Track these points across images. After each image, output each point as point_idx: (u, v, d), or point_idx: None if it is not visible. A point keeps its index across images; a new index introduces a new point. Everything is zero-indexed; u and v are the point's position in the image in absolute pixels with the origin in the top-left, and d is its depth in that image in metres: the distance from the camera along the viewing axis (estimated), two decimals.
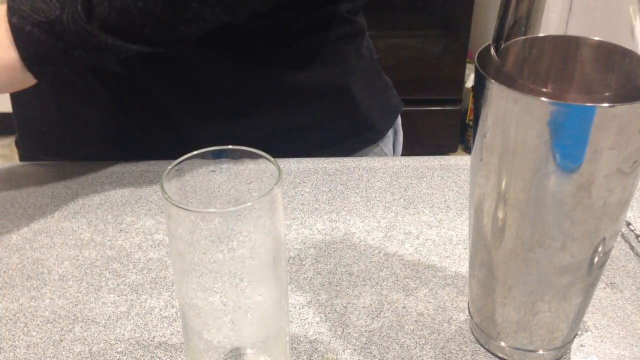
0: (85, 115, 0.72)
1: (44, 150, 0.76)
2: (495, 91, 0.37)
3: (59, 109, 0.73)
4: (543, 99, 0.35)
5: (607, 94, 0.40)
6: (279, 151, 0.71)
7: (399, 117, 0.83)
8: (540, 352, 0.45)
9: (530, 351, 0.45)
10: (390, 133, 0.81)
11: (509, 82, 0.39)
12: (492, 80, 0.37)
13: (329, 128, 0.74)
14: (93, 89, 0.69)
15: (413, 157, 0.72)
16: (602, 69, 0.40)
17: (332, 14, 0.70)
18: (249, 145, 0.39)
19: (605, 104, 0.35)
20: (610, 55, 0.39)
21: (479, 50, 0.40)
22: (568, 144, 0.36)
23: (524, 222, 0.40)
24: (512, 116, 0.37)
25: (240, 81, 0.69)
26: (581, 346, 0.48)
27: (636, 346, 0.47)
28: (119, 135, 0.72)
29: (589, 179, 0.37)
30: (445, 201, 0.63)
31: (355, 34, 0.74)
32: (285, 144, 0.73)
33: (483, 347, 0.48)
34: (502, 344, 0.46)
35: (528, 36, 0.39)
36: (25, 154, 0.80)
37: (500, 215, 0.41)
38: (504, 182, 0.39)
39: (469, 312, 0.49)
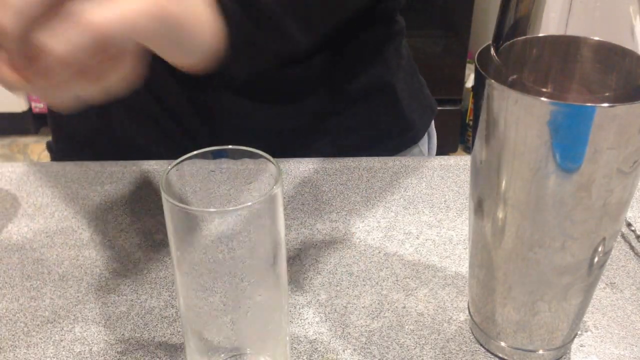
0: (129, 125, 0.71)
1: (79, 154, 0.74)
2: (495, 91, 0.37)
3: (99, 116, 0.71)
4: (543, 99, 0.35)
5: (607, 94, 0.40)
6: (318, 152, 0.70)
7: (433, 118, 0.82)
8: (540, 352, 0.45)
9: (530, 351, 0.45)
10: (425, 134, 0.80)
11: (509, 82, 0.39)
12: (492, 80, 0.37)
13: (371, 128, 0.73)
14: (143, 104, 0.68)
15: (413, 157, 0.72)
16: (602, 69, 0.40)
17: (373, 14, 0.69)
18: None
19: (605, 104, 0.35)
20: (610, 55, 0.39)
21: (479, 50, 0.40)
22: (568, 144, 0.36)
23: (524, 222, 0.40)
24: (512, 116, 0.37)
25: (281, 80, 0.68)
26: (581, 346, 0.48)
27: (636, 346, 0.47)
28: (155, 143, 0.71)
29: (589, 179, 0.37)
30: (445, 201, 0.63)
31: (395, 33, 0.73)
32: (327, 144, 0.72)
33: (483, 347, 0.48)
34: (502, 344, 0.46)
35: (528, 36, 0.39)
36: (58, 158, 0.78)
37: (500, 215, 0.41)
38: (504, 182, 0.39)
39: (469, 312, 0.49)
